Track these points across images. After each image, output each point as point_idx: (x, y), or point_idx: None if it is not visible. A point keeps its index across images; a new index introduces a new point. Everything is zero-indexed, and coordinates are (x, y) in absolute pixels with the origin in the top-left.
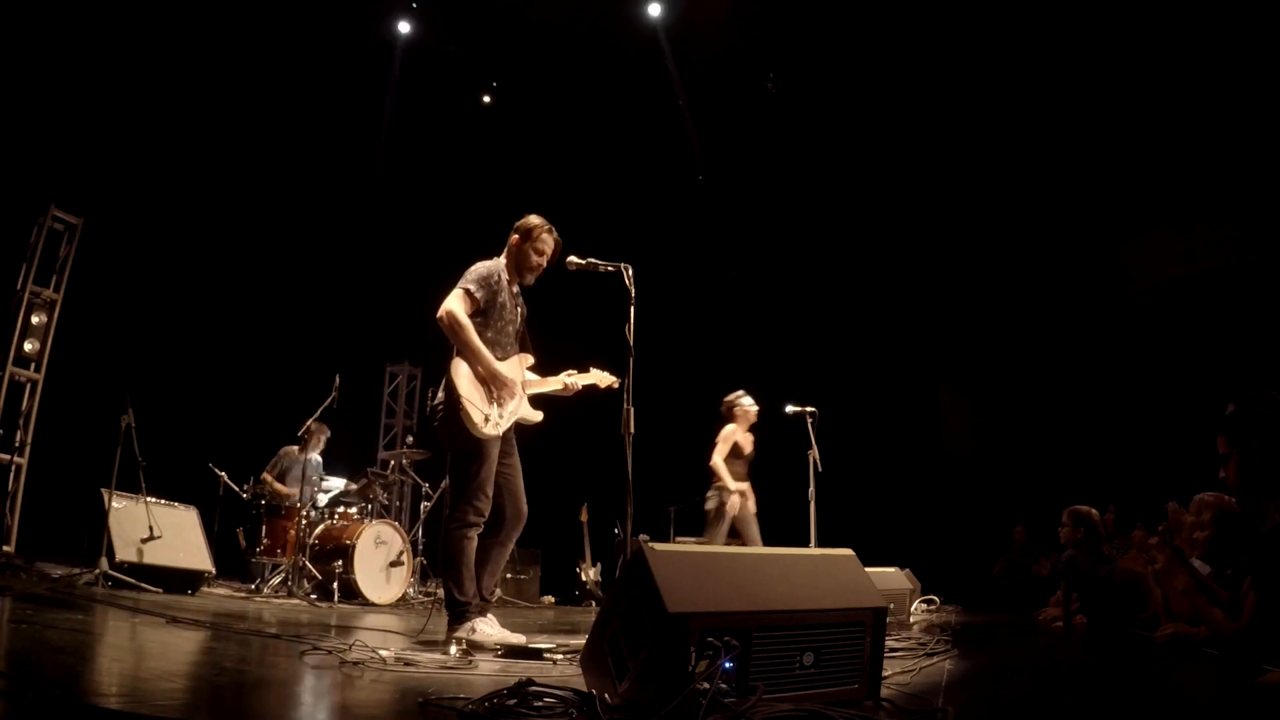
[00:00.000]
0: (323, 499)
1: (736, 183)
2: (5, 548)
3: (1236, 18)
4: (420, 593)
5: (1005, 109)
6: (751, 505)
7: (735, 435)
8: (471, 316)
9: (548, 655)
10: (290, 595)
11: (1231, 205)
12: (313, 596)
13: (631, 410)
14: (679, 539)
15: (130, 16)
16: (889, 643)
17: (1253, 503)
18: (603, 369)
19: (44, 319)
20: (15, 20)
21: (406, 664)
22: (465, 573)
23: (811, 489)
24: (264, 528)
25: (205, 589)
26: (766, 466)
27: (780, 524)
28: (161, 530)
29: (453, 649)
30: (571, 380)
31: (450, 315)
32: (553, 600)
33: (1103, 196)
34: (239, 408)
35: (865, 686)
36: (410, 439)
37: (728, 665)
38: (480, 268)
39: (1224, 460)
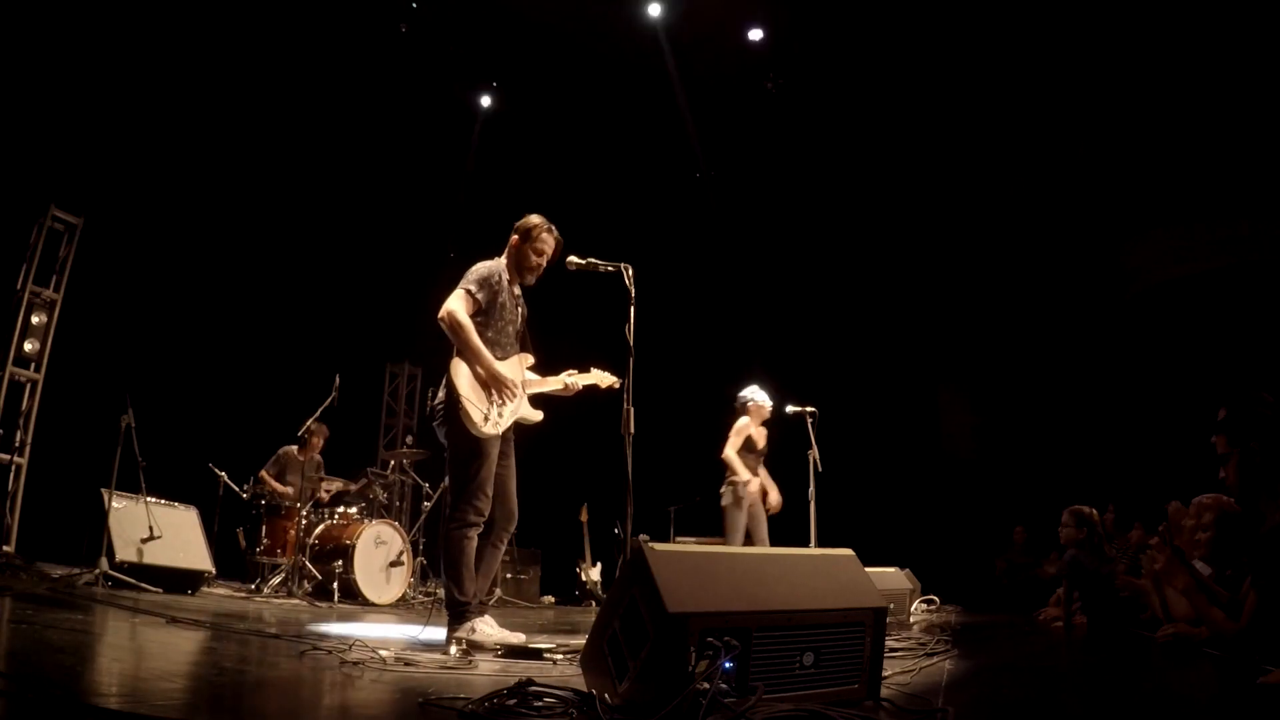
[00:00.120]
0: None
1: (737, 183)
2: (5, 548)
3: (1236, 18)
4: (420, 593)
5: (1005, 109)
6: (775, 497)
7: (749, 429)
8: (472, 317)
9: (548, 655)
10: (290, 595)
11: (1231, 205)
12: (314, 598)
13: (631, 410)
14: (679, 539)
15: (129, 16)
16: (889, 643)
17: (1253, 503)
18: (603, 369)
19: (44, 319)
20: (15, 20)
21: (406, 664)
22: (465, 573)
23: (811, 489)
24: (264, 528)
25: (205, 589)
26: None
27: (780, 524)
28: (161, 530)
29: (453, 649)
30: (572, 380)
31: (451, 315)
32: (553, 600)
33: (1102, 197)
34: (239, 408)
35: (865, 686)
36: (410, 439)
37: (728, 665)
38: (481, 268)
39: (1224, 460)
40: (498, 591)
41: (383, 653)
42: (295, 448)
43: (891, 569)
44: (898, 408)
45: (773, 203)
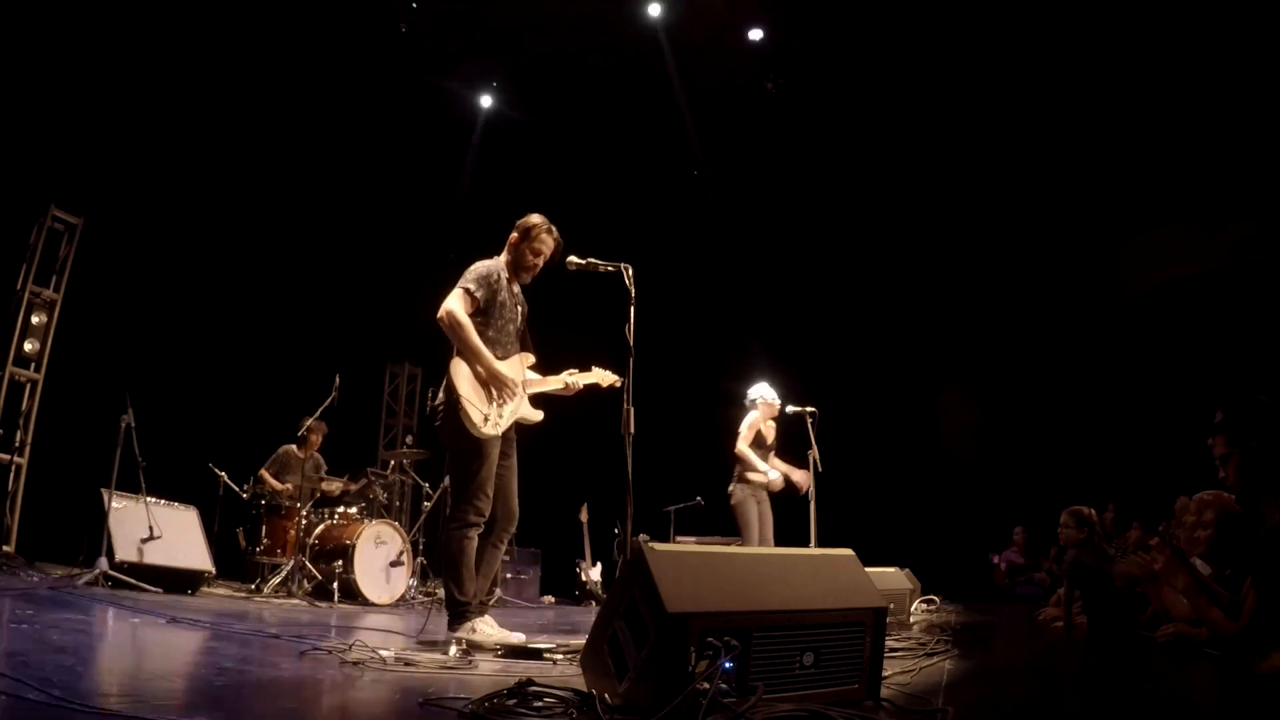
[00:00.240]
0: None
1: (737, 183)
2: (5, 548)
3: (1236, 18)
4: (420, 593)
5: (1005, 110)
6: (798, 475)
7: (759, 424)
8: (472, 316)
9: (548, 655)
10: (290, 595)
11: (1232, 205)
12: (314, 598)
13: (631, 410)
14: (679, 539)
15: (128, 16)
16: (889, 643)
17: (1253, 503)
18: (604, 368)
19: (44, 319)
20: (15, 20)
21: (406, 664)
22: (465, 573)
23: (811, 489)
24: (264, 528)
25: (205, 589)
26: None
27: (780, 524)
28: (161, 530)
29: (453, 649)
30: (573, 379)
31: (450, 315)
32: (553, 600)
33: (1102, 198)
34: (239, 408)
35: (865, 686)
36: (410, 439)
37: (728, 665)
38: (480, 267)
39: (1224, 461)
40: (498, 591)
41: (383, 653)
42: (295, 446)
43: (891, 569)
44: (898, 408)
45: (773, 203)
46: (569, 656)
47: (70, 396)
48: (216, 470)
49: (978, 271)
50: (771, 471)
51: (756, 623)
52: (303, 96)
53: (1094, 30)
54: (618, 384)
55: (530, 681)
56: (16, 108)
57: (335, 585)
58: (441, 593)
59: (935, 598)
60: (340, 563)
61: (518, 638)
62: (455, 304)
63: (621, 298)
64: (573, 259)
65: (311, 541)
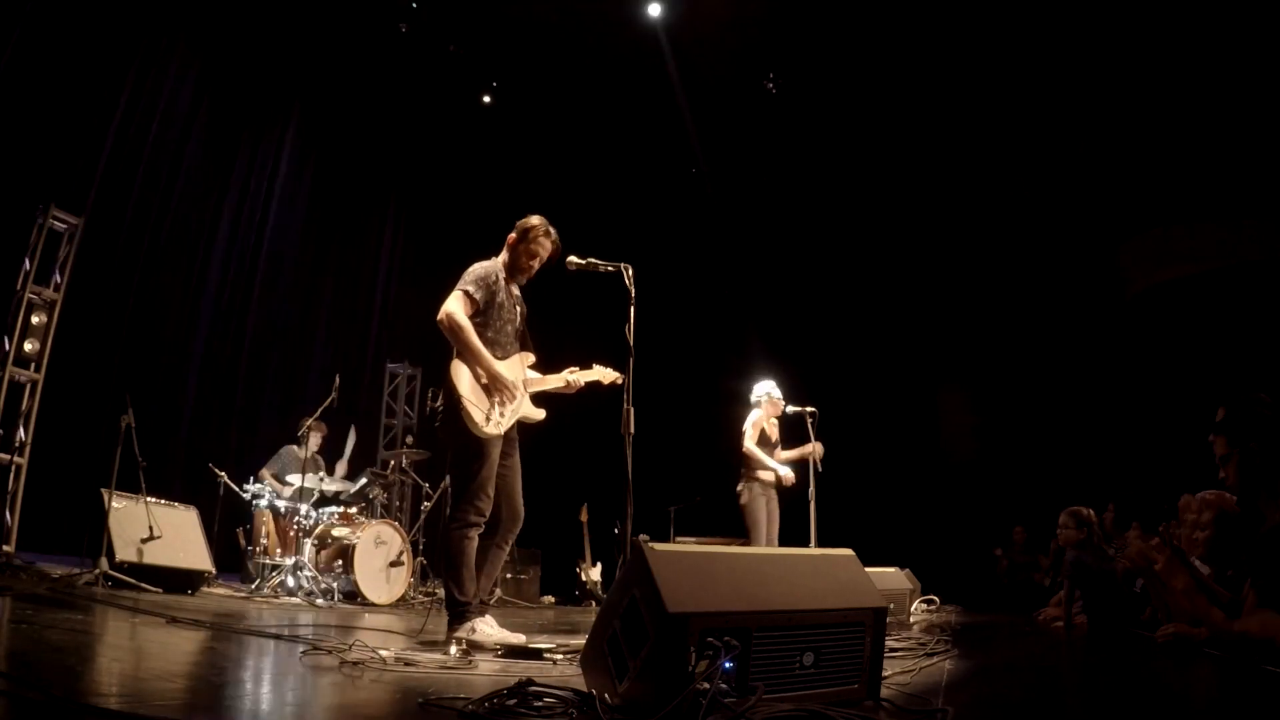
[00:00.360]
0: (331, 486)
1: (737, 183)
2: (5, 547)
3: (1236, 18)
4: (420, 593)
5: (1005, 110)
6: (810, 448)
7: (762, 423)
8: (471, 317)
9: (548, 655)
10: (290, 595)
11: (1232, 205)
12: (314, 598)
13: (631, 410)
14: (679, 539)
15: (128, 16)
16: (889, 643)
17: (1253, 503)
18: (606, 367)
19: (44, 319)
20: (15, 20)
21: (406, 664)
22: (465, 573)
23: (811, 489)
24: (264, 528)
25: (205, 589)
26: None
27: (781, 524)
28: (161, 530)
29: (453, 649)
30: (574, 378)
31: (450, 317)
32: (553, 600)
33: (1101, 197)
34: (239, 408)
35: (865, 686)
36: (410, 439)
37: (728, 665)
38: (478, 268)
39: (1224, 461)
40: (498, 591)
41: (383, 653)
42: (296, 447)
43: (891, 569)
44: (898, 408)
45: (773, 203)
46: (569, 656)
47: (70, 396)
48: (216, 470)
49: (978, 271)
50: (782, 468)
51: (756, 623)
52: (303, 96)
53: (1094, 30)
54: (619, 381)
55: (530, 681)
56: (16, 108)
57: (335, 585)
58: (441, 593)
59: (935, 598)
60: (340, 563)
61: (518, 638)
62: (454, 306)
63: (621, 298)
64: (572, 259)
65: (311, 541)
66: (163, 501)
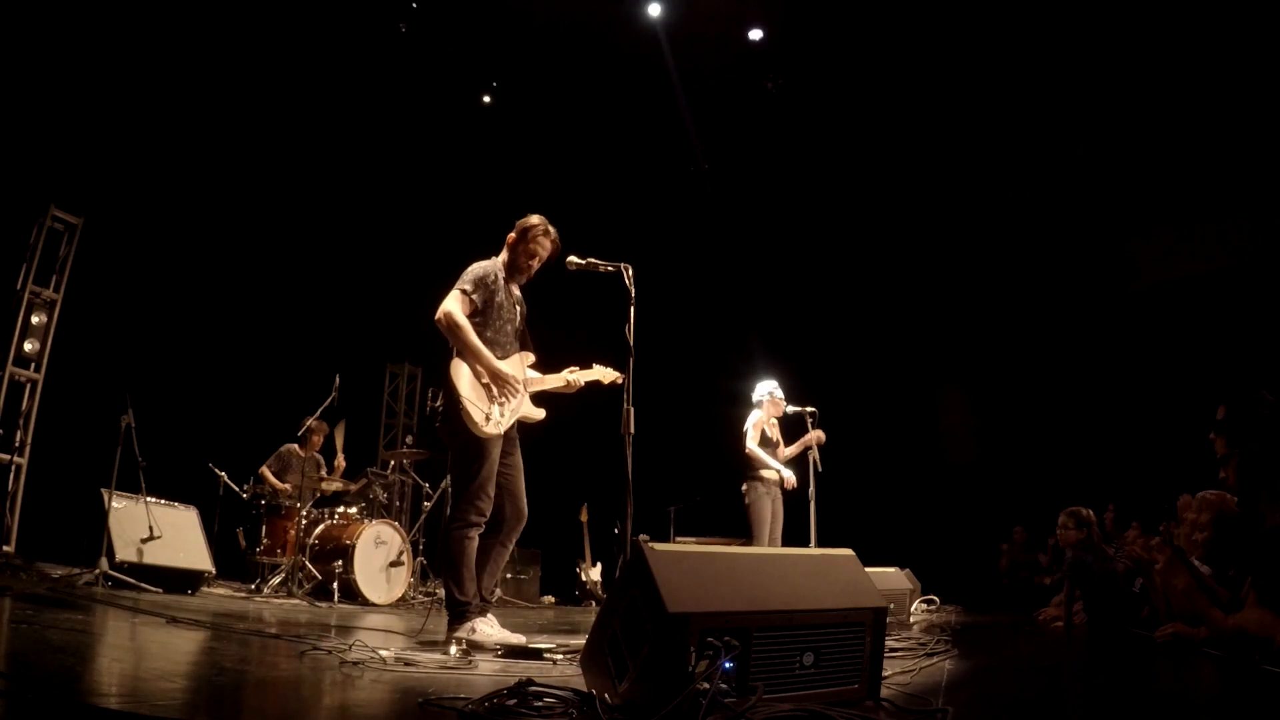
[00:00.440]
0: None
1: (737, 183)
2: (5, 548)
3: (1241, 16)
4: (420, 593)
5: (1007, 108)
6: (811, 435)
7: (763, 423)
8: (470, 317)
9: (548, 655)
10: (290, 595)
11: (1235, 205)
12: (314, 598)
13: (631, 410)
14: (679, 539)
15: (128, 16)
16: (889, 643)
17: (1253, 503)
18: (606, 367)
19: (44, 319)
20: (15, 20)
21: (406, 664)
22: (465, 573)
23: (811, 489)
24: (264, 528)
25: (205, 589)
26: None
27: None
28: (161, 530)
29: (453, 649)
30: (574, 377)
31: (448, 317)
32: (553, 600)
33: (1105, 196)
34: (239, 408)
35: (865, 686)
36: (410, 439)
37: (728, 665)
38: (477, 268)
39: (1224, 461)
40: (498, 591)
41: (383, 653)
42: (297, 446)
43: (891, 569)
44: (898, 408)
45: (773, 203)
46: (569, 656)
47: (70, 396)
48: (216, 470)
49: (978, 271)
50: (785, 470)
51: (756, 623)
52: (303, 96)
53: (1097, 29)
54: (619, 381)
55: (530, 681)
56: (16, 108)
57: (335, 585)
58: (441, 593)
59: (935, 598)
60: (340, 563)
61: (518, 638)
62: (452, 305)
63: (621, 298)
64: (572, 259)
65: (311, 541)
66: (163, 501)
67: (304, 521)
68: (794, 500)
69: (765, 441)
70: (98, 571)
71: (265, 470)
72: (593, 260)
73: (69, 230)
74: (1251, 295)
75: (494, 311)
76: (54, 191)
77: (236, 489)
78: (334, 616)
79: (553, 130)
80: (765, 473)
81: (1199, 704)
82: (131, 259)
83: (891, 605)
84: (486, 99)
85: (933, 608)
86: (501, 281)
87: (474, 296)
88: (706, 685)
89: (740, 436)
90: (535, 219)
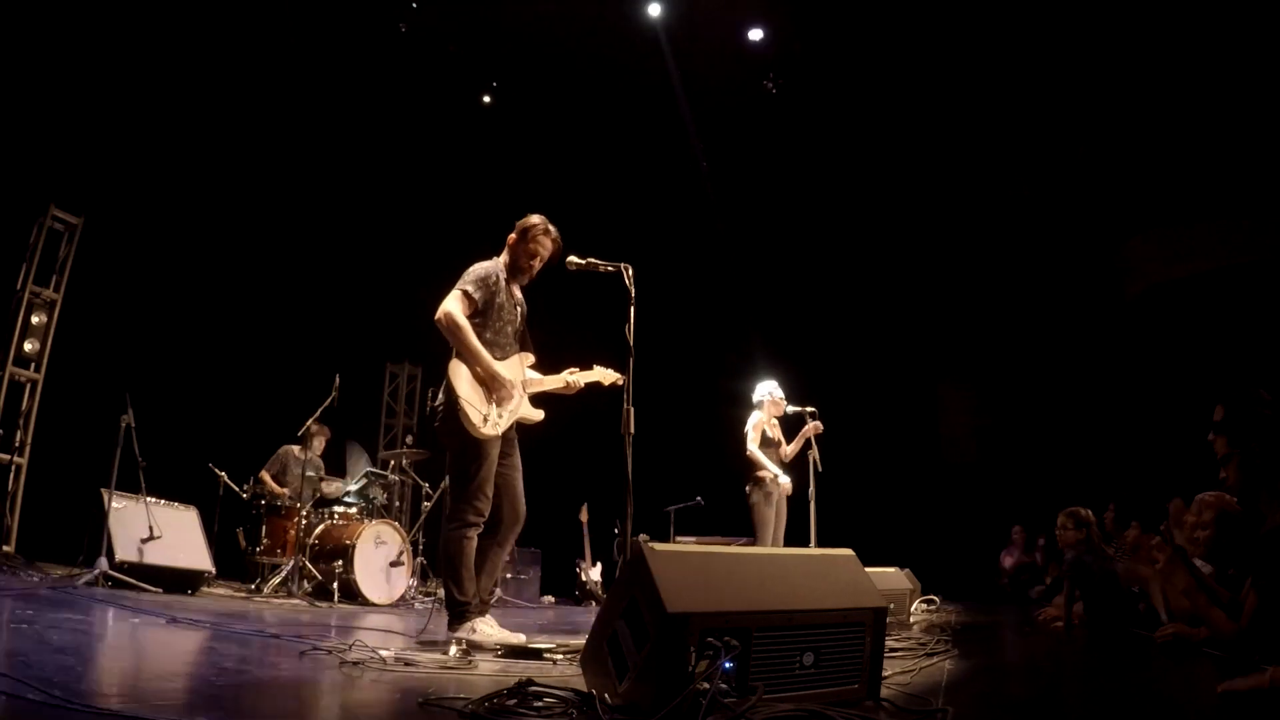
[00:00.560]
0: (346, 485)
1: (737, 183)
2: (5, 548)
3: (1236, 17)
4: (420, 593)
5: (1005, 109)
6: (810, 427)
7: (764, 424)
8: (470, 317)
9: (548, 655)
10: (290, 595)
11: (1232, 205)
12: (314, 598)
13: (631, 410)
14: (679, 539)
15: (129, 16)
16: (889, 643)
17: (1253, 503)
18: (605, 368)
19: (44, 319)
20: (15, 20)
21: (406, 664)
22: (465, 573)
23: (811, 489)
24: (264, 528)
25: (205, 589)
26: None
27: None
28: (161, 530)
29: (453, 649)
30: (574, 378)
31: (448, 317)
32: (553, 600)
33: (1103, 197)
34: (239, 408)
35: (865, 686)
36: (410, 439)
37: (728, 665)
38: (478, 268)
39: (1225, 461)
40: (498, 591)
41: (383, 653)
42: (296, 447)
43: (891, 569)
44: (897, 407)
45: (773, 203)
46: (569, 656)
47: (70, 396)
48: (216, 470)
49: (978, 271)
50: (783, 476)
51: (756, 623)
52: (303, 96)
53: (1095, 30)
54: (620, 382)
55: (530, 681)
56: (16, 108)
57: (335, 585)
58: (441, 593)
59: (935, 598)
60: (340, 563)
61: (518, 638)
62: (453, 306)
63: (621, 298)
64: (573, 259)
65: (311, 541)
66: (163, 501)
67: (304, 521)
68: (794, 500)
69: (766, 442)
70: (98, 571)
71: (265, 475)
72: (593, 260)
73: (69, 230)
74: (1251, 295)
75: (494, 312)
76: (54, 191)
77: (236, 489)
78: (334, 616)
79: (552, 130)
80: (763, 474)
81: (1199, 704)
82: (131, 259)
83: (891, 605)
84: (486, 99)
85: (933, 608)
86: (503, 282)
87: (475, 297)
88: (706, 685)
89: (742, 438)
90: (536, 219)
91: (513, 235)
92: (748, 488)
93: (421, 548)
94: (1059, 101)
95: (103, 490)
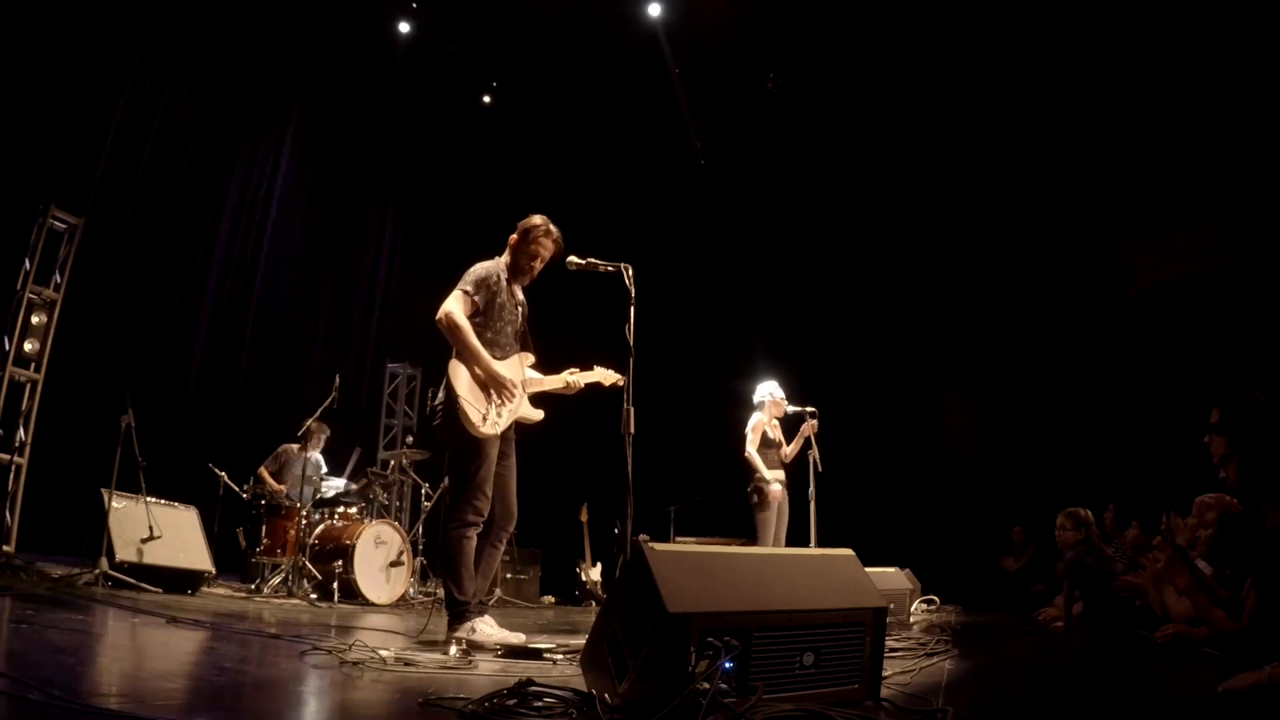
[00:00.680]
0: (330, 489)
1: (737, 183)
2: (5, 547)
3: (1237, 17)
4: (420, 593)
5: (1005, 110)
6: (807, 427)
7: (763, 425)
8: (470, 318)
9: (548, 655)
10: (290, 595)
11: (1232, 205)
12: (313, 596)
13: (631, 410)
14: (679, 539)
15: (129, 16)
16: (889, 643)
17: (1254, 503)
18: (605, 368)
19: (44, 319)
20: (15, 20)
21: (406, 664)
22: (464, 572)
23: (811, 489)
24: (264, 528)
25: (205, 589)
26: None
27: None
28: (161, 530)
29: (452, 649)
30: (574, 379)
31: (449, 317)
32: (553, 600)
33: (1102, 197)
34: (239, 408)
35: (865, 686)
36: (410, 439)
37: (728, 665)
38: (479, 269)
39: (1224, 461)
40: (498, 591)
41: (383, 653)
42: (296, 446)
43: (891, 569)
44: (898, 408)
45: (773, 203)
46: (569, 656)
47: (70, 396)
48: (216, 470)
49: (978, 272)
50: (775, 484)
51: (756, 623)
52: (303, 96)
53: (1094, 30)
54: (620, 383)
55: (530, 681)
56: (16, 108)
57: (335, 585)
58: (441, 593)
59: (935, 598)
60: (340, 563)
61: (518, 638)
62: (453, 306)
63: (621, 298)
64: (573, 259)
65: (311, 541)
66: (163, 501)
67: (304, 521)
68: (794, 500)
69: (767, 443)
70: (98, 571)
71: (263, 471)
72: (593, 260)
73: (69, 230)
74: (1251, 295)
75: (495, 312)
76: (54, 191)
77: (236, 489)
78: (334, 616)
79: (553, 130)
80: (757, 476)
81: (1199, 704)
82: (132, 259)
83: (891, 605)
84: (486, 99)
85: (933, 608)
86: (504, 283)
87: (475, 297)
88: (706, 685)
89: (742, 440)
90: (537, 219)
91: (514, 236)
92: (750, 488)
93: (421, 548)
94: (1058, 102)
95: (103, 490)
